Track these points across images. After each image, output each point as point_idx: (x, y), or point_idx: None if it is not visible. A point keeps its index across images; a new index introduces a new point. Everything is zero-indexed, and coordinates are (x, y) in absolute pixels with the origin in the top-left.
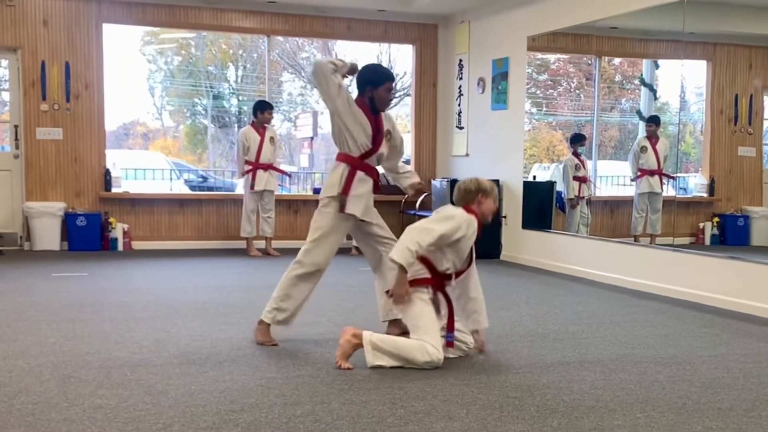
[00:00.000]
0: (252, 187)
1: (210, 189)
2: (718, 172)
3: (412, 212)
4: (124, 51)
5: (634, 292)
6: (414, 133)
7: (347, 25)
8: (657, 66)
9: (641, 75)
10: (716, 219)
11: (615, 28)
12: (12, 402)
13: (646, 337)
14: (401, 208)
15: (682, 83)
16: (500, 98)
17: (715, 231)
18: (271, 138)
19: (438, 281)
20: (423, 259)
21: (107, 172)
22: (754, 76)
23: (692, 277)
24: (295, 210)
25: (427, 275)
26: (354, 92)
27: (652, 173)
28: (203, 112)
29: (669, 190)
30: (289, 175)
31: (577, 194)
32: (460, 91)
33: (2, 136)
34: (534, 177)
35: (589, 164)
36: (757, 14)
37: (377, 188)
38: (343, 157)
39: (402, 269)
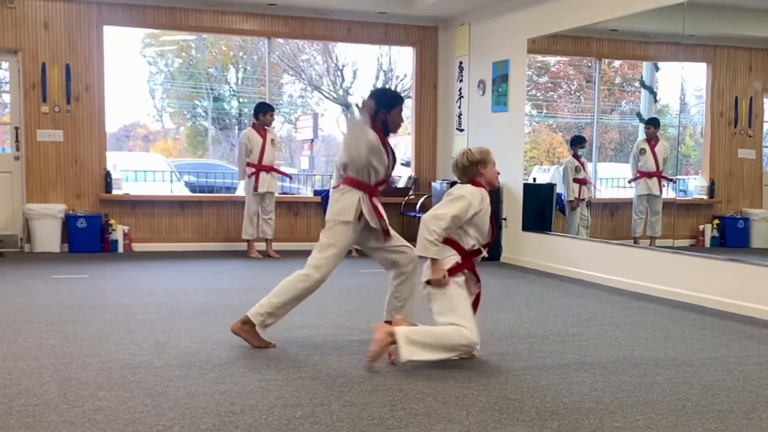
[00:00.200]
0: (255, 189)
1: (211, 189)
2: (718, 174)
3: (413, 214)
4: (124, 53)
5: (634, 294)
6: (414, 136)
7: (347, 28)
8: (657, 68)
9: (641, 77)
10: (716, 221)
11: (615, 31)
12: (12, 404)
13: (645, 339)
14: (401, 209)
15: (682, 85)
16: (500, 100)
17: (715, 233)
18: (272, 140)
19: (468, 260)
20: (449, 241)
21: (108, 174)
22: (754, 79)
23: (692, 279)
24: (296, 212)
25: (458, 258)
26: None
27: (650, 175)
28: (204, 114)
29: (669, 193)
30: (290, 177)
31: (577, 196)
32: (461, 93)
33: (3, 138)
34: (534, 179)
35: (589, 166)
36: (757, 17)
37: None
38: (357, 184)
39: (433, 259)
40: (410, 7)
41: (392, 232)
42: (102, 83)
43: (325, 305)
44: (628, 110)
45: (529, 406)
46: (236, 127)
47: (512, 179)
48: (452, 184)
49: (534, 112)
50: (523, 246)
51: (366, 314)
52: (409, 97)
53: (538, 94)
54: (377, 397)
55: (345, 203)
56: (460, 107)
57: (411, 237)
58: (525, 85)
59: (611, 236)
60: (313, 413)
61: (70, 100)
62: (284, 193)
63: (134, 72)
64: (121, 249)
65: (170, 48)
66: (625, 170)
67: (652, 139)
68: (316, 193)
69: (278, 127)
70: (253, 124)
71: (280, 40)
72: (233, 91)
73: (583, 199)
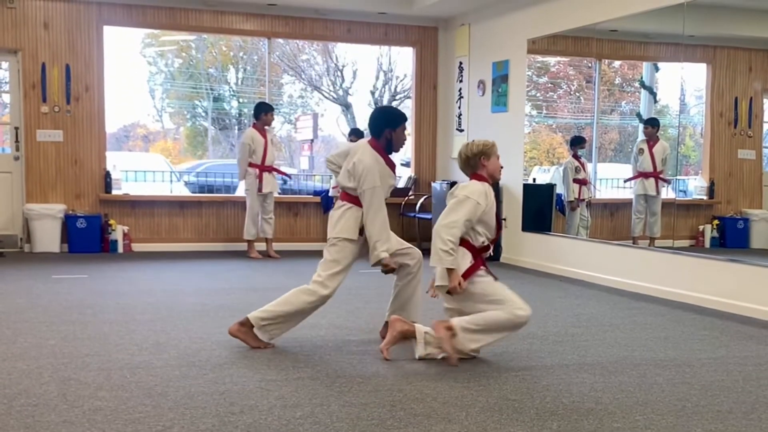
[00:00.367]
0: (260, 189)
1: (210, 188)
2: (718, 174)
3: (412, 215)
4: (124, 53)
5: (633, 295)
6: (414, 136)
7: (347, 28)
8: (657, 69)
9: (641, 78)
10: (716, 222)
11: (615, 31)
12: (11, 404)
13: (645, 339)
14: (401, 210)
15: (682, 86)
16: (500, 101)
17: (715, 233)
18: (272, 140)
19: (479, 257)
20: (461, 241)
21: (107, 174)
22: (754, 79)
23: (692, 279)
24: (295, 212)
25: (472, 259)
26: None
27: (647, 176)
28: (203, 114)
29: (669, 193)
30: (290, 177)
31: (577, 197)
32: (460, 93)
33: (2, 138)
34: (534, 179)
35: (589, 167)
36: (756, 17)
37: None
38: (357, 201)
39: (450, 269)
40: (410, 8)
41: (394, 237)
42: (102, 83)
43: (324, 306)
44: (628, 111)
45: (528, 407)
46: (236, 128)
47: (512, 179)
48: (452, 184)
49: (534, 112)
50: (522, 246)
51: (366, 315)
52: (409, 97)
53: (538, 94)
54: (377, 398)
55: (348, 221)
56: (459, 107)
57: (411, 237)
58: (525, 86)
59: (611, 237)
60: (312, 413)
61: (69, 100)
62: (284, 193)
63: (134, 72)
64: (120, 249)
65: (170, 48)
66: (625, 170)
67: (651, 140)
68: (316, 193)
69: (278, 127)
70: (254, 124)
71: (280, 41)
72: (233, 91)
73: (583, 200)
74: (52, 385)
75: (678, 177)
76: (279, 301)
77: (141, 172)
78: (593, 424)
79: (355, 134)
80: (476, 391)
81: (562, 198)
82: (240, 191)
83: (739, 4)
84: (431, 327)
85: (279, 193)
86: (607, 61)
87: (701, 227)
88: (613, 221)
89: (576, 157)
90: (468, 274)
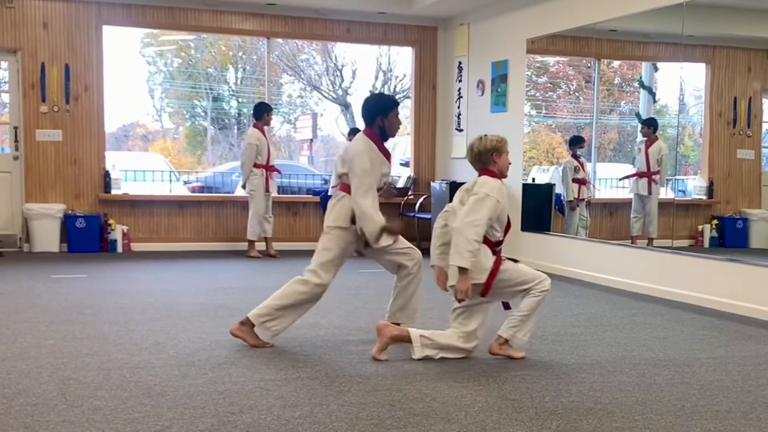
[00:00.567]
0: (267, 189)
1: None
2: (717, 174)
3: (412, 214)
4: (123, 53)
5: (633, 295)
6: (413, 136)
7: (347, 28)
8: (656, 69)
9: (640, 78)
10: (715, 221)
11: (614, 31)
12: (11, 403)
13: (644, 339)
14: (401, 210)
15: (681, 86)
16: (499, 101)
17: (714, 233)
18: (271, 140)
19: (496, 252)
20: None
21: (107, 174)
22: (753, 79)
23: (691, 279)
24: (295, 212)
25: (492, 258)
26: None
27: (641, 175)
28: (203, 113)
29: (668, 193)
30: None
31: (576, 196)
32: (460, 93)
33: (2, 138)
34: (533, 179)
35: (588, 166)
36: (755, 17)
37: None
38: (350, 190)
39: (464, 269)
40: (409, 7)
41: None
42: (101, 83)
43: (324, 305)
44: (627, 110)
45: (527, 407)
46: (235, 127)
47: (511, 179)
48: (451, 184)
49: (533, 112)
50: (522, 246)
51: (365, 314)
52: (408, 97)
53: (538, 94)
54: (376, 398)
55: (341, 210)
56: (459, 107)
57: (410, 237)
58: (524, 86)
59: (610, 236)
60: (311, 413)
61: (69, 99)
62: (284, 192)
63: (133, 72)
64: (120, 249)
65: (169, 48)
66: (624, 170)
67: (648, 139)
68: (315, 193)
69: (277, 126)
70: (255, 124)
71: (280, 40)
72: (232, 91)
73: (583, 200)
74: (52, 384)
75: (677, 177)
76: (275, 295)
77: (140, 172)
78: (592, 423)
79: (354, 134)
80: (475, 391)
81: (562, 198)
82: (239, 191)
83: (738, 4)
84: (491, 349)
85: (278, 193)
86: (606, 60)
87: (700, 227)
88: (612, 221)
89: (575, 156)
90: (494, 273)
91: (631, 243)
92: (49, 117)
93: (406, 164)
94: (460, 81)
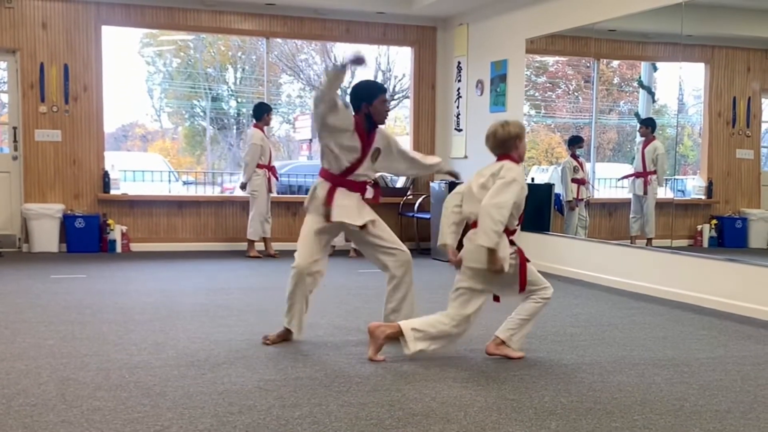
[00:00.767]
0: (270, 189)
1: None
2: (716, 174)
3: (411, 214)
4: (122, 53)
5: (632, 295)
6: (412, 135)
7: (346, 28)
8: (655, 68)
9: (639, 77)
10: (714, 221)
11: (613, 31)
12: (10, 404)
13: (644, 339)
14: (400, 209)
15: (681, 86)
16: (499, 100)
17: (713, 233)
18: (272, 141)
19: (513, 239)
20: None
21: (106, 174)
22: (752, 79)
23: (690, 279)
24: (294, 212)
25: (510, 247)
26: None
27: (637, 175)
28: (202, 113)
29: (667, 193)
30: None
31: (575, 196)
32: (459, 93)
33: (1, 138)
34: (532, 179)
35: (587, 166)
36: (755, 17)
37: (374, 198)
38: (325, 174)
39: (492, 249)
40: (409, 7)
41: (378, 231)
42: (100, 83)
43: (323, 305)
44: (626, 110)
45: (527, 406)
46: (234, 127)
47: None
48: (450, 184)
49: (532, 112)
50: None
51: (365, 315)
52: (407, 97)
53: (537, 94)
54: (375, 398)
55: (311, 192)
56: (458, 107)
57: (409, 237)
58: (523, 85)
59: (609, 236)
60: (311, 413)
61: (68, 100)
62: (283, 192)
63: (132, 72)
64: (119, 249)
65: (168, 48)
66: (623, 170)
67: (645, 139)
68: None
69: (276, 126)
70: (257, 124)
71: (279, 40)
72: (232, 91)
73: (582, 200)
74: (51, 384)
75: (676, 176)
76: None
77: (139, 172)
78: (591, 423)
79: None
80: (475, 391)
81: (561, 198)
82: (238, 191)
83: (738, 4)
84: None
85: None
86: (605, 60)
87: (699, 227)
88: (611, 221)
89: (574, 156)
90: (523, 270)
91: (631, 243)
92: (48, 117)
93: None
94: (460, 81)
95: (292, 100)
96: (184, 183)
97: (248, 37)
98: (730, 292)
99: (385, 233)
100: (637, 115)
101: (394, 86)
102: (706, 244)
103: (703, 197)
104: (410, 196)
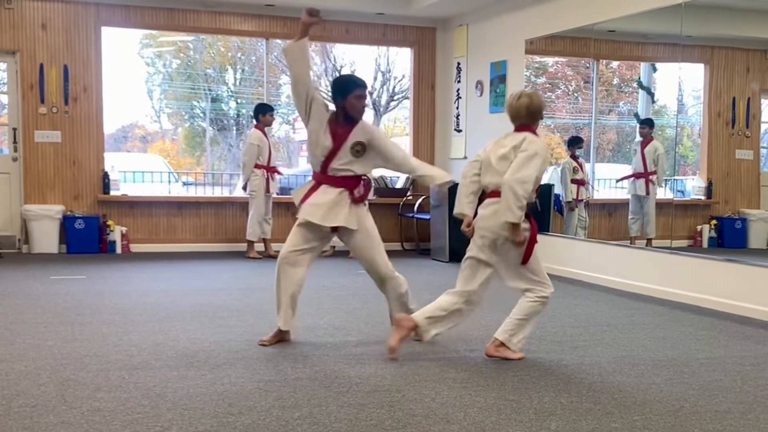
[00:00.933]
0: (268, 190)
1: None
2: (716, 174)
3: (411, 215)
4: (122, 54)
5: (632, 295)
6: (412, 136)
7: (345, 28)
8: (655, 69)
9: (639, 78)
10: (714, 222)
11: (613, 32)
12: (10, 405)
13: (643, 339)
14: (399, 210)
15: (680, 86)
16: (498, 101)
17: (713, 233)
18: (272, 141)
19: (531, 218)
20: None
21: (105, 175)
22: (752, 80)
23: (690, 279)
24: (294, 213)
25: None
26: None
27: (638, 176)
28: (202, 114)
29: (666, 193)
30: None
31: (575, 197)
32: (458, 94)
33: (1, 139)
34: None
35: (587, 167)
36: (754, 18)
37: (359, 198)
38: (313, 174)
39: (515, 223)
40: (408, 8)
41: (358, 243)
42: (100, 84)
43: (322, 306)
44: (625, 111)
45: (527, 407)
46: (234, 128)
47: None
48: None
49: None
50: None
51: (364, 315)
52: (407, 98)
53: None
54: (375, 399)
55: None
56: (458, 108)
57: (409, 238)
58: (523, 86)
59: (609, 237)
60: (311, 414)
61: (68, 101)
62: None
63: (132, 73)
64: (119, 250)
65: (168, 49)
66: (623, 171)
67: (644, 140)
68: None
69: (276, 127)
70: (257, 125)
71: (278, 41)
72: (231, 92)
73: (581, 200)
74: (51, 386)
75: (676, 177)
76: None
77: (139, 173)
78: (591, 424)
79: None
80: (474, 392)
81: (560, 198)
82: (237, 192)
83: (737, 5)
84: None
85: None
86: (605, 61)
87: (699, 227)
88: (611, 221)
89: (574, 157)
90: (532, 242)
91: (630, 244)
92: (47, 118)
93: None
94: (459, 81)
95: (292, 101)
96: (184, 184)
97: (248, 38)
98: (729, 293)
99: (363, 250)
100: (636, 115)
101: (394, 87)
102: (705, 244)
103: (702, 198)
104: (410, 197)
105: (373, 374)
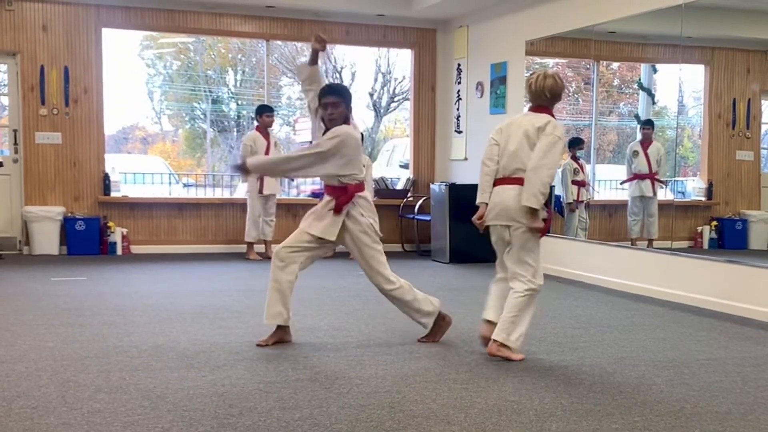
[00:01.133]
0: (261, 191)
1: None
2: (716, 175)
3: (411, 216)
4: (123, 55)
5: (632, 296)
6: (413, 137)
7: (346, 30)
8: (655, 70)
9: (639, 79)
10: (714, 223)
11: (613, 33)
12: (11, 406)
13: (644, 340)
14: (399, 212)
15: (680, 87)
16: (499, 102)
17: (714, 235)
18: (275, 142)
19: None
20: None
21: (106, 177)
22: (752, 80)
23: (690, 280)
24: (294, 214)
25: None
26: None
27: (643, 177)
28: (202, 116)
29: (667, 194)
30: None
31: (575, 198)
32: (459, 95)
33: (1, 141)
34: None
35: (587, 168)
36: (754, 19)
37: (335, 209)
38: None
39: (535, 210)
40: (409, 10)
41: (356, 253)
42: (100, 85)
43: (323, 307)
44: (626, 112)
45: (527, 408)
46: (235, 130)
47: None
48: (451, 186)
49: None
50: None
51: (365, 317)
52: (407, 99)
53: None
54: (376, 400)
55: None
56: (458, 109)
57: (409, 239)
58: (523, 87)
59: (609, 238)
60: (311, 415)
61: (68, 102)
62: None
63: (133, 74)
64: (119, 251)
65: (169, 50)
66: (623, 172)
67: (646, 141)
68: (315, 195)
69: (277, 129)
70: (257, 126)
71: (279, 42)
72: (232, 93)
73: (582, 201)
74: (51, 387)
75: (676, 178)
76: None
77: (140, 174)
78: (592, 425)
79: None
80: (475, 393)
81: (561, 199)
82: (238, 193)
83: (737, 6)
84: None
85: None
86: (605, 62)
87: (699, 228)
88: (611, 222)
89: (574, 158)
90: (548, 221)
91: (631, 245)
92: (48, 119)
93: (405, 166)
94: (459, 83)
95: (293, 103)
96: (185, 185)
97: (248, 40)
98: (730, 294)
99: (357, 259)
100: (637, 116)
101: (395, 88)
102: (706, 245)
103: (703, 199)
104: (410, 198)
105: (373, 375)
